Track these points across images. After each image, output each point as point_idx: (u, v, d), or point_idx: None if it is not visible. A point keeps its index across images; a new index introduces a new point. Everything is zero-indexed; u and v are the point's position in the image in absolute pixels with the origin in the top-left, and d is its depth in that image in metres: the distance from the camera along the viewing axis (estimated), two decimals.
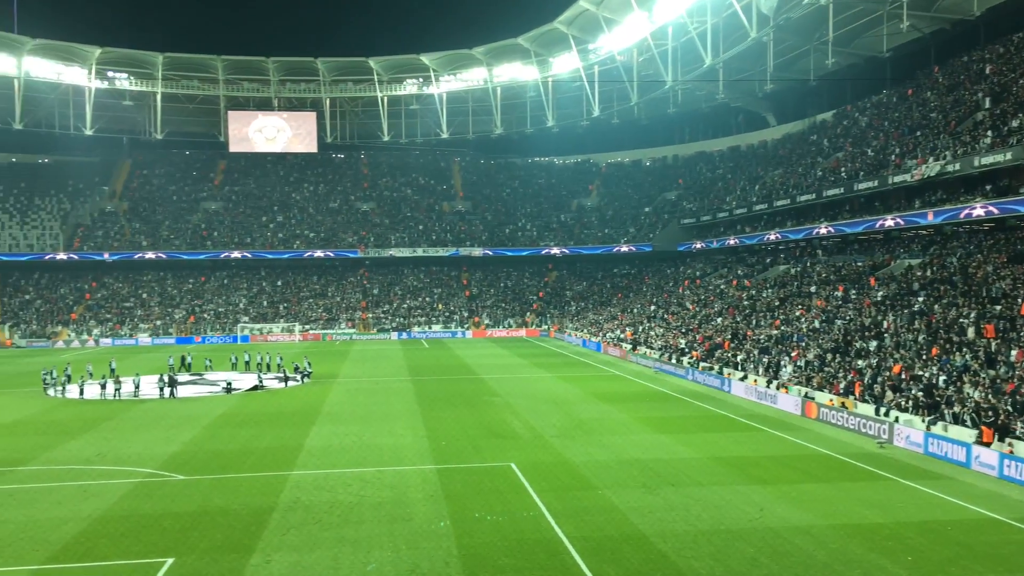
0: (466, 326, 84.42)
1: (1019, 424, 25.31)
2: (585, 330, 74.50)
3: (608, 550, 17.90)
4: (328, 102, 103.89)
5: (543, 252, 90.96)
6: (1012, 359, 29.71)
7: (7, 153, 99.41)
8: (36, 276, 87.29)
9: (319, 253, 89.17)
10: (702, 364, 48.20)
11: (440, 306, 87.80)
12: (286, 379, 46.99)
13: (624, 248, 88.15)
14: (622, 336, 64.85)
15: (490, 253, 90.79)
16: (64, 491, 23.12)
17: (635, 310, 73.85)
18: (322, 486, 23.38)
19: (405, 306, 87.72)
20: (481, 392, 42.40)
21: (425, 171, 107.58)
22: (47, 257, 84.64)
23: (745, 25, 65.49)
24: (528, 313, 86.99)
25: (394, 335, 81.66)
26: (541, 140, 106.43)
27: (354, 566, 16.99)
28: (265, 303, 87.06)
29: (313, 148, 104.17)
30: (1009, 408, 26.44)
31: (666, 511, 20.74)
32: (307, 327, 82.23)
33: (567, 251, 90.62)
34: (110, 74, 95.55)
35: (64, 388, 44.10)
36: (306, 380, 47.61)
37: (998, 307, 34.75)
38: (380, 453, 27.78)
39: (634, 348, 59.48)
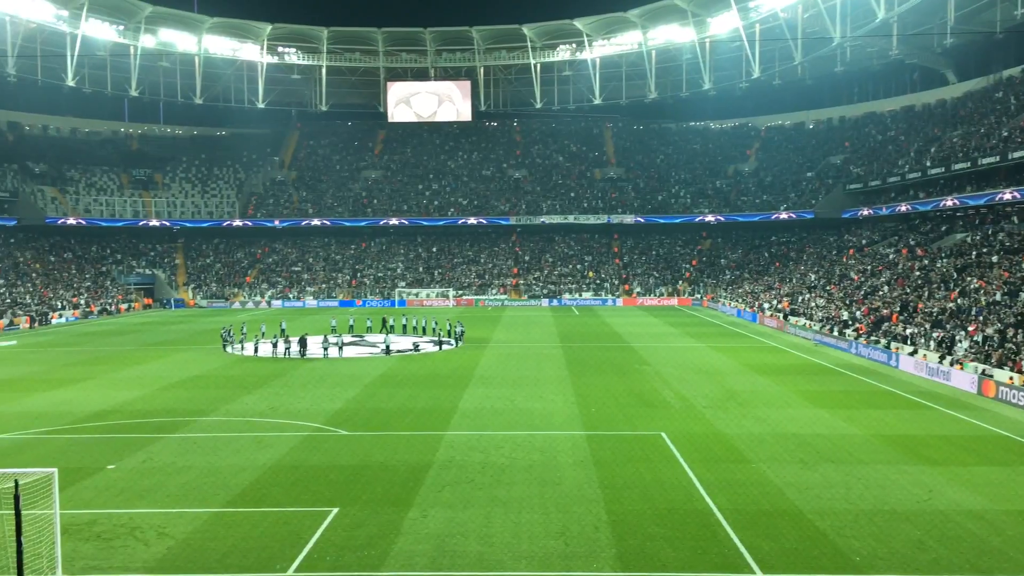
0: (617, 294, 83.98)
1: None
2: (740, 300, 72.39)
3: (762, 525, 17.47)
4: (482, 71, 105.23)
5: (697, 219, 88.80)
6: None
7: (189, 126, 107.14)
8: (215, 242, 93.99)
9: (472, 220, 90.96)
10: (867, 337, 45.81)
11: (591, 273, 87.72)
12: (440, 343, 48.48)
13: (783, 215, 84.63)
14: (779, 306, 62.57)
15: (642, 220, 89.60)
16: (241, 441, 24.96)
17: (794, 280, 71.00)
18: (475, 447, 24.05)
19: (556, 273, 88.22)
20: (631, 360, 42.17)
21: (577, 138, 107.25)
22: (225, 224, 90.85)
23: None
24: (680, 282, 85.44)
25: (544, 302, 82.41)
26: (697, 104, 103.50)
27: (505, 526, 17.42)
28: (421, 268, 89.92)
29: (467, 116, 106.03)
30: None
31: (825, 488, 19.97)
32: (460, 292, 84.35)
33: (722, 218, 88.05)
34: (280, 49, 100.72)
35: (241, 346, 47.47)
36: (459, 344, 48.95)
37: None
38: (531, 417, 28.23)
39: (785, 317, 57.28)
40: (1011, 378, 31.70)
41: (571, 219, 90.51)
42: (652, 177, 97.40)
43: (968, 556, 15.78)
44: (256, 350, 45.30)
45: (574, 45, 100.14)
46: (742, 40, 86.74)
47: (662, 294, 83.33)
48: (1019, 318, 37.19)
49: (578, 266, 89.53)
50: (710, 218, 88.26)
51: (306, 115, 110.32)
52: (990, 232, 54.84)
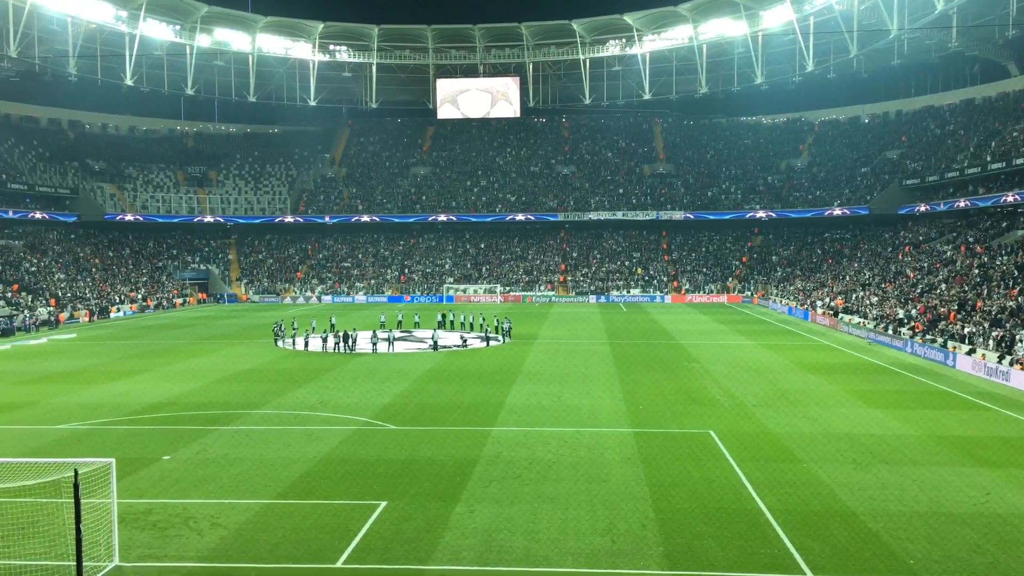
0: (665, 291, 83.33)
1: None
2: (791, 297, 71.29)
3: (813, 525, 17.20)
4: (531, 67, 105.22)
5: (747, 216, 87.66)
6: None
7: (243, 124, 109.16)
8: (267, 237, 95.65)
9: (520, 216, 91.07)
10: (923, 336, 44.76)
11: (639, 270, 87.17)
12: (487, 339, 48.62)
13: (836, 211, 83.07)
14: (832, 304, 61.47)
15: (691, 216, 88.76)
16: (291, 434, 25.36)
17: (847, 277, 69.68)
18: (522, 443, 24.09)
19: (604, 270, 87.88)
20: (679, 357, 41.82)
21: (626, 133, 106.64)
22: (276, 220, 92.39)
23: None
24: (730, 278, 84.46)
25: (592, 298, 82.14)
26: (748, 98, 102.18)
27: (552, 522, 17.41)
28: (469, 264, 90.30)
29: (516, 113, 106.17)
30: None
31: (878, 489, 19.57)
32: (508, 289, 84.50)
33: (773, 215, 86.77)
34: (331, 47, 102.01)
35: (293, 340, 48.22)
36: (507, 340, 49.06)
37: None
38: (578, 414, 28.17)
39: (836, 315, 56.28)
40: None
41: (619, 215, 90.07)
42: (702, 173, 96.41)
43: None
44: (307, 344, 45.97)
45: (623, 40, 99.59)
46: (795, 33, 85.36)
47: (711, 291, 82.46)
48: None
49: (626, 262, 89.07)
50: (761, 214, 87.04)
51: (356, 112, 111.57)
52: None
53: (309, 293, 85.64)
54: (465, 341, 47.63)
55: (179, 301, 79.81)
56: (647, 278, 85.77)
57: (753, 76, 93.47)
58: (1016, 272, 48.18)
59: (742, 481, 20.23)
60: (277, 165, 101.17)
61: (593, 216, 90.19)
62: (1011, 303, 42.98)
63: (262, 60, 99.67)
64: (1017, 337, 37.73)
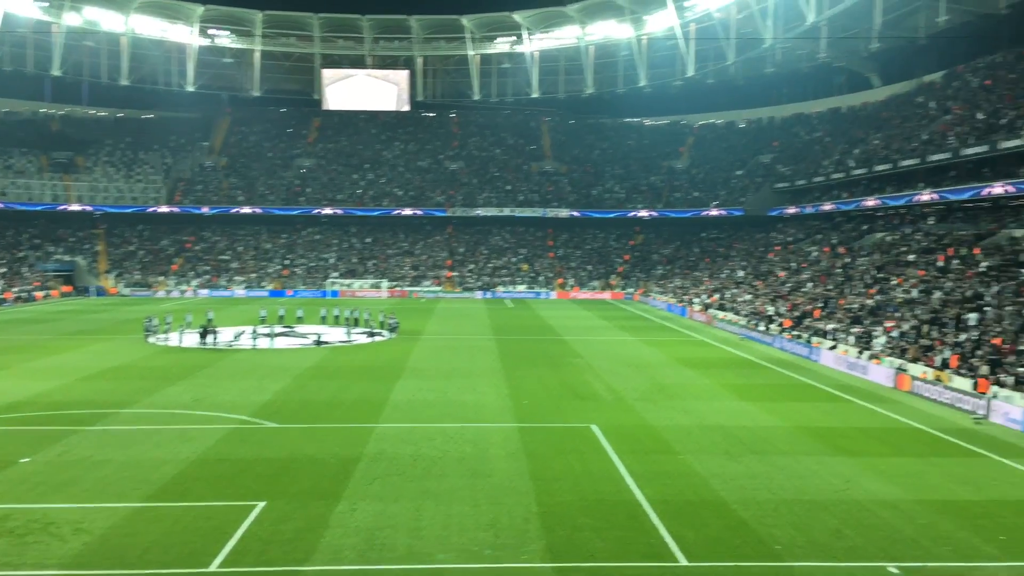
0: (550, 287, 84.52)
1: None
2: (671, 294, 73.61)
3: (688, 514, 17.83)
4: (421, 60, 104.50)
5: (630, 214, 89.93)
6: None
7: (114, 108, 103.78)
8: (139, 228, 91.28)
9: (407, 211, 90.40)
10: (790, 332, 47.09)
11: (525, 267, 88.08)
12: (372, 334, 48.06)
13: (714, 212, 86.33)
14: (707, 301, 63.85)
15: (577, 215, 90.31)
16: (163, 434, 24.32)
17: (723, 275, 72.50)
18: (406, 439, 23.93)
19: (490, 266, 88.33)
20: (564, 353, 42.50)
21: (514, 131, 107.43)
22: (150, 210, 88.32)
23: None
24: (613, 276, 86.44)
25: (478, 294, 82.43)
26: (632, 100, 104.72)
27: (435, 518, 17.38)
28: (354, 259, 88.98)
29: (405, 107, 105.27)
30: None
31: (748, 479, 20.48)
32: (394, 284, 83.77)
33: (655, 214, 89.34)
34: (211, 32, 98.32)
35: (166, 336, 46.26)
36: (392, 336, 48.63)
37: None
38: (463, 409, 28.22)
39: (705, 309, 58.61)
40: (924, 373, 32.97)
41: (507, 212, 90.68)
42: (588, 172, 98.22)
43: (882, 544, 16.36)
44: (181, 340, 44.19)
45: (513, 38, 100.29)
46: (677, 39, 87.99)
47: (595, 288, 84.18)
48: (933, 315, 38.68)
49: (513, 259, 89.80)
50: (643, 213, 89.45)
51: (238, 100, 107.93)
52: (908, 232, 56.86)
53: (185, 286, 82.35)
54: (349, 337, 46.92)
55: (40, 294, 75.18)
56: (533, 275, 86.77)
57: (638, 79, 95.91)
58: (875, 272, 51.31)
59: (622, 473, 20.75)
60: (151, 152, 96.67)
61: (481, 212, 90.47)
62: (869, 301, 45.74)
63: (136, 42, 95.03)
64: (874, 334, 40.20)
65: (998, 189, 45.99)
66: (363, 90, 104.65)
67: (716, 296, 64.33)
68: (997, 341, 32.44)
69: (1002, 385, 29.07)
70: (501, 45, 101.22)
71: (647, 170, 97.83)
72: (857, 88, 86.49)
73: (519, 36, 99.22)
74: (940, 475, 21.22)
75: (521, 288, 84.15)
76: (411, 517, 17.45)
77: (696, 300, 66.15)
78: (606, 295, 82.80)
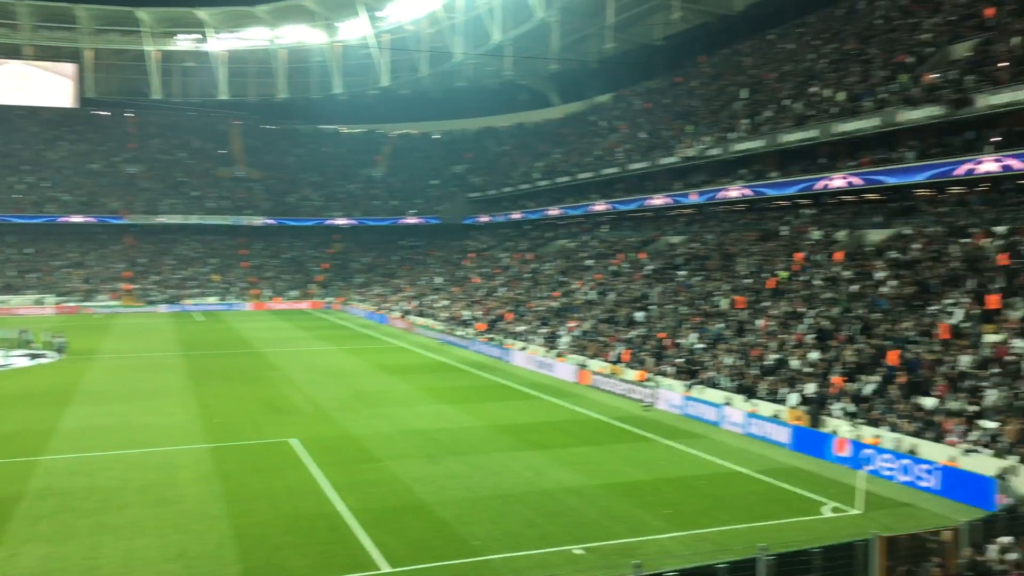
0: (245, 298, 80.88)
1: (762, 386, 28.03)
2: (370, 302, 73.81)
3: (390, 521, 17.88)
4: (90, 54, 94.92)
5: (328, 222, 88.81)
6: (758, 327, 32.80)
7: None
8: None
9: (78, 218, 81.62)
10: (485, 335, 49.26)
11: (216, 277, 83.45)
12: (34, 356, 42.75)
13: (411, 220, 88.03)
14: (406, 308, 64.93)
15: (272, 223, 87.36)
16: None
17: (421, 282, 74.11)
18: (78, 471, 21.53)
19: (177, 277, 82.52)
20: (260, 366, 40.84)
21: (201, 134, 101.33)
22: None
23: (531, 5, 67.00)
24: (312, 285, 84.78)
25: (164, 308, 76.61)
26: (328, 107, 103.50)
27: (115, 554, 15.79)
28: (12, 272, 78.51)
29: (71, 103, 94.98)
30: (754, 371, 29.21)
31: (448, 479, 21.03)
32: (62, 299, 75.18)
33: (353, 222, 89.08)
34: None
35: None
36: (60, 357, 43.57)
37: (748, 280, 38.21)
38: (147, 433, 26.00)
39: (403, 316, 59.92)
40: (602, 367, 36.14)
41: (195, 220, 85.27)
42: (283, 179, 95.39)
43: (569, 528, 17.59)
44: None
45: (198, 35, 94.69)
46: (372, 48, 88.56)
47: (293, 297, 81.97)
48: (608, 314, 42.55)
49: (202, 269, 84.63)
50: (341, 221, 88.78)
51: None
52: (586, 239, 62.10)
53: None
54: (6, 360, 41.24)
55: None
56: (225, 285, 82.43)
57: (332, 85, 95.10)
58: (559, 276, 55.35)
59: (323, 486, 20.35)
60: None
61: (164, 220, 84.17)
62: (555, 304, 49.24)
63: None
64: (559, 334, 43.34)
65: (658, 200, 51.75)
66: (19, 82, 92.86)
67: (415, 303, 65.59)
68: (661, 336, 36.43)
69: (665, 375, 32.69)
70: (184, 42, 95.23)
71: (345, 178, 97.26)
72: (540, 105, 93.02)
73: (203, 34, 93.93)
74: (616, 460, 23.33)
75: (212, 300, 79.54)
76: (86, 556, 15.71)
77: (396, 307, 66.93)
78: (305, 305, 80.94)
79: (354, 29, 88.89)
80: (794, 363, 28.40)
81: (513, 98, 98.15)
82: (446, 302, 62.30)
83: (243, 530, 17.20)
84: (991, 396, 21.78)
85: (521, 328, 47.23)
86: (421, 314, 61.60)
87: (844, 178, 36.61)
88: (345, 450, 24.04)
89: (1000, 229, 30.12)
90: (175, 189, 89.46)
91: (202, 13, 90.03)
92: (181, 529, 17.22)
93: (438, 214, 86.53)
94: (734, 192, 44.13)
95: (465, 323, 53.76)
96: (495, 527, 17.61)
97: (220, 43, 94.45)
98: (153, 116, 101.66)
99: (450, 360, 44.23)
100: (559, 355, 40.23)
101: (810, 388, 26.31)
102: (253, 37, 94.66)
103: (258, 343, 50.86)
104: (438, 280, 71.92)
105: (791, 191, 40.94)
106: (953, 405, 22.32)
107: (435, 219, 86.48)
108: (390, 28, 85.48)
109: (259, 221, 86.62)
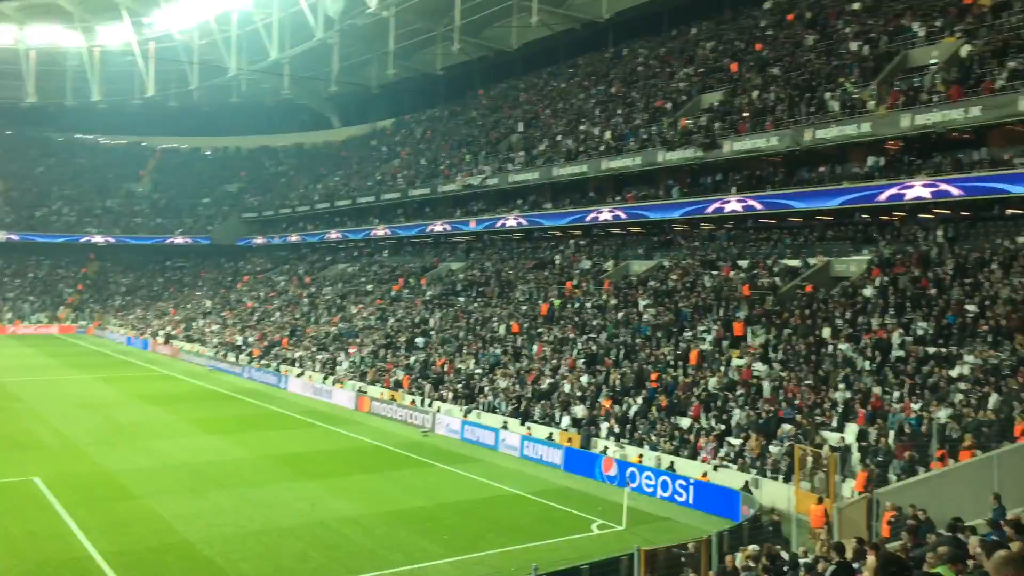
0: None
1: (537, 409, 29.10)
2: (131, 327, 68.61)
3: (148, 563, 16.64)
4: None
5: (83, 240, 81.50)
6: (533, 353, 34.05)
7: None
8: None
9: None
10: (259, 361, 47.34)
11: None
12: None
13: (179, 240, 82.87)
14: (172, 333, 61.03)
15: (16, 238, 78.83)
16: None
17: (189, 305, 69.96)
18: None
19: None
20: None
21: None
22: None
23: (312, 25, 65.89)
24: (62, 308, 77.33)
25: None
26: (85, 116, 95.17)
27: None
28: None
29: None
30: (529, 395, 30.26)
31: (215, 515, 19.91)
32: None
33: (113, 240, 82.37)
34: None
35: None
36: None
37: (524, 307, 39.61)
38: None
39: (167, 341, 56.79)
40: (381, 393, 35.89)
41: None
42: (30, 191, 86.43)
43: (344, 560, 17.23)
44: None
45: None
46: (135, 55, 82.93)
47: (40, 321, 74.33)
48: (388, 339, 42.39)
49: None
50: (99, 239, 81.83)
51: None
52: (366, 263, 61.59)
53: None
54: None
55: None
56: None
57: (90, 92, 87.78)
58: (339, 300, 54.40)
59: (72, 528, 18.57)
60: None
61: None
62: (334, 329, 48.33)
63: None
64: (338, 359, 42.55)
65: (439, 227, 52.42)
66: None
67: (182, 327, 61.78)
68: (440, 362, 36.79)
69: (443, 400, 33.02)
70: None
71: (103, 192, 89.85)
72: (320, 127, 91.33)
73: None
74: (395, 487, 23.21)
75: None
76: None
77: (160, 332, 62.66)
78: (54, 329, 73.58)
79: (116, 34, 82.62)
80: (566, 387, 29.73)
81: (292, 118, 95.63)
82: (217, 327, 59.22)
83: None
84: (737, 415, 24.00)
85: (298, 354, 45.88)
86: (189, 339, 58.10)
87: (611, 211, 39.05)
88: (97, 488, 22.09)
89: (743, 263, 33.46)
90: None
91: None
92: None
93: (209, 234, 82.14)
94: (511, 221, 45.67)
95: (238, 349, 51.36)
96: (266, 563, 16.89)
97: None
98: None
99: (220, 388, 42.00)
100: (337, 381, 39.47)
101: (580, 411, 27.65)
102: None
103: None
104: (208, 304, 68.24)
105: (563, 222, 43.02)
106: (705, 424, 24.37)
107: (205, 239, 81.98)
108: (157, 36, 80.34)
109: (2, 236, 77.89)
